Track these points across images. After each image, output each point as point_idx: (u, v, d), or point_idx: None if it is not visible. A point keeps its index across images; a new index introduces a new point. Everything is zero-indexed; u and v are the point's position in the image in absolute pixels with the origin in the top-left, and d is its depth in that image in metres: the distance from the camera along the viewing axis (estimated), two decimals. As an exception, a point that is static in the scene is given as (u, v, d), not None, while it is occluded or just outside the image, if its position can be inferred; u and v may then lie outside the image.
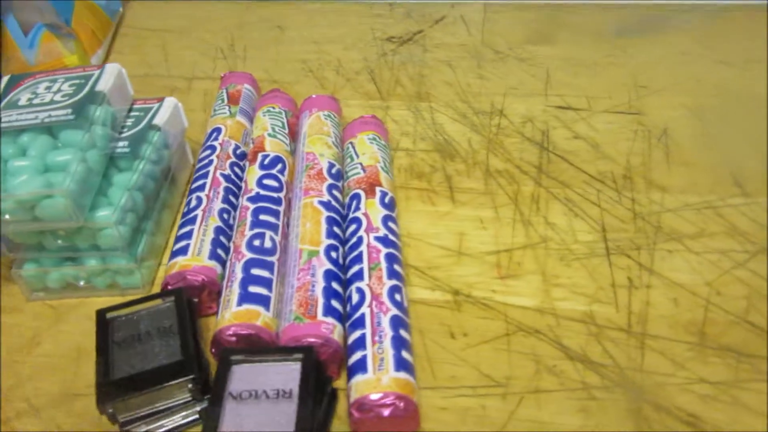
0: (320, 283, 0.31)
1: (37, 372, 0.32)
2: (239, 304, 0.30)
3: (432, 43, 0.55)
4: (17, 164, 0.32)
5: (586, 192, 0.39)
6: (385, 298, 0.30)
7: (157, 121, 0.38)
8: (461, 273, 0.35)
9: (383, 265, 0.31)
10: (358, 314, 0.30)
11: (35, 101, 0.35)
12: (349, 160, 0.39)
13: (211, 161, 0.39)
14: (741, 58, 0.50)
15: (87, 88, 0.36)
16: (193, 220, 0.35)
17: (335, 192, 0.37)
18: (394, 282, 0.31)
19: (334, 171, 0.38)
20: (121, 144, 0.37)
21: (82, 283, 0.35)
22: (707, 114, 0.45)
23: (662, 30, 0.54)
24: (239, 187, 0.38)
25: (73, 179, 0.31)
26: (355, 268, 0.32)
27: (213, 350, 0.30)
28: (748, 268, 0.34)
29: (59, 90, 0.36)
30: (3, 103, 0.35)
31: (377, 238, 0.33)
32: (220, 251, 0.34)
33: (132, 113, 0.39)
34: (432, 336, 0.32)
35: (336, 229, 0.34)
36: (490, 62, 0.52)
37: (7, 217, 0.31)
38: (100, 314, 0.30)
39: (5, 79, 0.38)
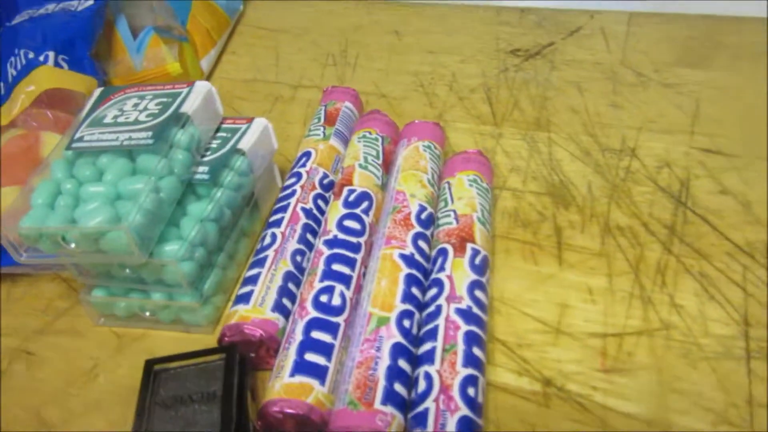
0: (385, 361, 0.27)
1: (88, 410, 0.31)
2: (292, 374, 0.27)
3: (562, 59, 0.49)
4: (91, 190, 0.31)
5: (728, 267, 0.32)
6: (455, 392, 0.25)
7: (242, 144, 0.36)
8: (557, 357, 0.30)
9: (460, 347, 0.27)
10: (421, 408, 0.25)
11: (120, 119, 0.34)
12: (443, 204, 0.35)
13: (293, 192, 0.36)
14: None
15: (172, 109, 0.34)
16: (262, 262, 0.32)
17: (421, 243, 0.32)
18: (470, 371, 0.26)
19: (424, 216, 0.33)
20: (201, 169, 0.34)
21: (147, 314, 0.33)
22: None
23: None
24: (320, 224, 0.35)
25: (139, 212, 0.30)
26: (427, 346, 0.28)
27: (259, 422, 0.27)
28: None
29: (145, 109, 0.34)
30: (89, 120, 0.34)
31: (458, 311, 0.28)
32: (285, 301, 0.31)
33: (219, 133, 0.37)
34: (510, 436, 0.27)
35: (415, 290, 0.30)
36: (629, 87, 0.45)
37: (73, 246, 0.30)
38: (148, 365, 0.28)
39: (98, 92, 0.37)
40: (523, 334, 0.31)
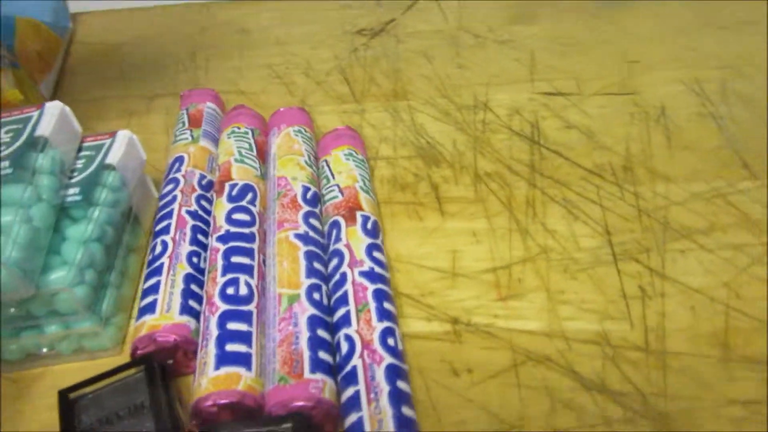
0: (304, 334, 0.28)
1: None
2: (217, 367, 0.27)
3: (405, 32, 0.51)
4: (-46, 231, 0.29)
5: (585, 190, 0.36)
6: (377, 345, 0.27)
7: (110, 159, 0.35)
8: (458, 297, 0.32)
9: (372, 305, 0.28)
10: (349, 367, 0.27)
11: (-29, 155, 0.32)
12: (325, 181, 0.36)
13: (174, 197, 0.35)
14: (735, 20, 0.46)
15: (25, 134, 0.32)
16: (158, 270, 0.32)
17: (313, 221, 0.33)
18: (385, 324, 0.28)
19: (309, 196, 0.35)
20: (72, 191, 0.33)
21: (45, 350, 0.32)
22: (705, 88, 0.42)
23: (648, -4, 0.50)
24: (209, 224, 0.35)
25: (15, 246, 0.28)
26: (341, 311, 0.29)
27: (194, 422, 0.27)
28: (765, 263, 0.31)
29: (-4, 139, 0.33)
30: (-65, 161, 0.32)
31: (362, 273, 0.30)
32: (192, 302, 0.31)
33: (82, 152, 0.36)
34: (433, 375, 0.29)
35: (317, 265, 0.31)
36: (469, 49, 0.49)
37: (-52, 293, 0.28)
38: (63, 396, 0.27)
39: (-62, 130, 0.34)
40: (424, 285, 0.33)
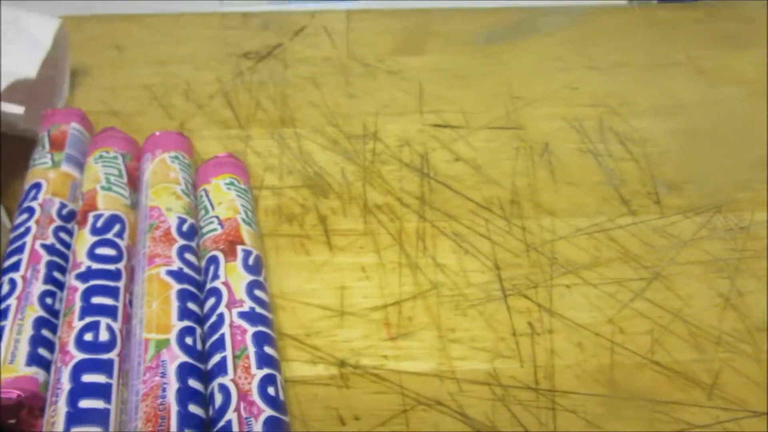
0: (173, 385, 0.25)
1: None
2: (67, 428, 0.23)
3: (293, 57, 0.50)
4: None
5: (474, 223, 0.36)
6: (255, 396, 0.25)
7: (-51, 185, 0.30)
8: (346, 337, 0.30)
9: (251, 350, 0.26)
10: (223, 422, 0.24)
11: None
12: (203, 212, 0.33)
13: (28, 229, 0.31)
14: (610, 62, 0.49)
15: None
16: (4, 314, 0.28)
17: (189, 256, 0.31)
18: (266, 371, 0.26)
19: (185, 228, 0.32)
20: None
21: None
22: (585, 125, 0.43)
23: (532, 35, 0.52)
24: (68, 259, 0.31)
25: None
26: (216, 358, 0.26)
27: (36, 494, 0.23)
28: (645, 297, 0.32)
29: None
30: None
31: (242, 315, 0.27)
32: (42, 351, 0.27)
33: None
34: (318, 425, 0.27)
35: (192, 305, 0.28)
36: (359, 77, 0.48)
37: None
38: None
39: None
40: (309, 324, 0.31)
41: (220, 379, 0.25)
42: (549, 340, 0.30)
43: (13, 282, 0.29)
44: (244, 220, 0.32)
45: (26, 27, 0.33)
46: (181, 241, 0.31)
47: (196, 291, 0.29)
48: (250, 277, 0.29)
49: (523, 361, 0.29)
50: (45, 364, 0.27)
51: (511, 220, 0.36)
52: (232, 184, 0.34)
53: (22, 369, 0.26)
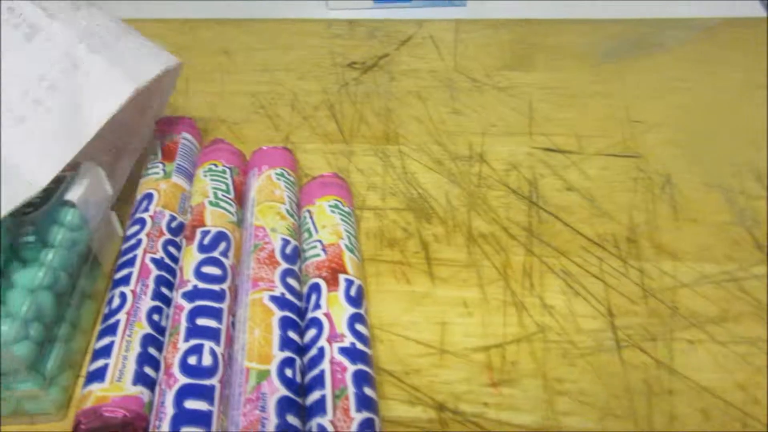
0: (272, 420, 0.24)
1: None
2: (169, 456, 0.23)
3: (399, 69, 0.49)
4: None
5: (585, 262, 0.34)
6: (354, 442, 0.24)
7: (71, 195, 0.31)
8: (446, 378, 0.29)
9: (351, 390, 0.25)
10: (320, 466, 0.23)
11: None
12: (307, 235, 0.33)
13: (139, 242, 0.32)
14: (742, 82, 0.45)
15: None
16: (113, 328, 0.28)
17: (291, 280, 0.30)
18: (364, 415, 0.25)
19: (289, 251, 0.31)
20: (23, 230, 0.30)
21: (-22, 412, 0.28)
22: (711, 156, 0.40)
23: (655, 51, 0.48)
24: (175, 274, 0.32)
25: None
26: (315, 395, 0.26)
27: None
28: (783, 361, 0.29)
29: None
30: None
31: (342, 350, 0.27)
32: (148, 370, 0.28)
33: (39, 186, 0.32)
34: (414, 472, 0.26)
35: (292, 334, 0.28)
36: (465, 92, 0.46)
37: None
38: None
39: None
40: (408, 360, 0.30)
41: (319, 419, 0.25)
42: (668, 403, 0.28)
43: (123, 296, 0.30)
44: (347, 247, 0.31)
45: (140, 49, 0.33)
46: (284, 265, 0.31)
47: (296, 318, 0.29)
48: (351, 310, 0.29)
49: (638, 423, 0.27)
50: (150, 383, 0.27)
51: (627, 261, 0.33)
52: (336, 206, 0.34)
53: (129, 388, 0.26)
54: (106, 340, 0.28)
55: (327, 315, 0.28)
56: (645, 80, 0.46)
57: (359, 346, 0.27)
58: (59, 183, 0.32)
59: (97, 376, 0.27)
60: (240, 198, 0.35)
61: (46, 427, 0.28)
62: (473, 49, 0.50)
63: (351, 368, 0.26)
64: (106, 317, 0.29)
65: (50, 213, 0.31)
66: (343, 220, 0.33)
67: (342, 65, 0.49)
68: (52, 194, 0.32)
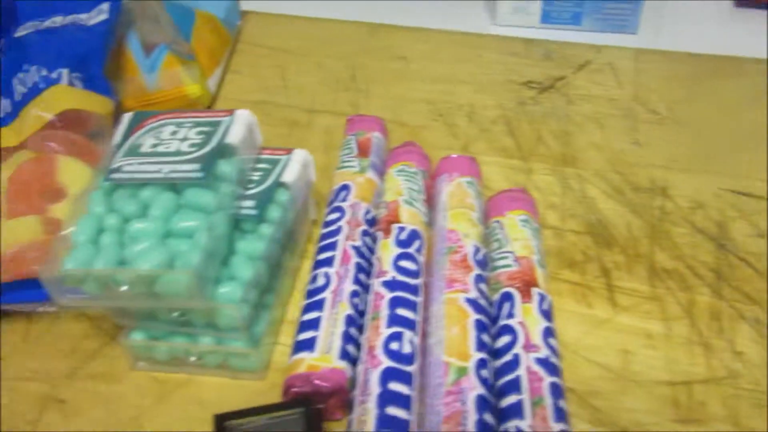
0: (472, 415, 0.26)
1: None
2: (377, 430, 0.25)
3: (576, 93, 0.49)
4: (139, 227, 0.29)
5: (778, 313, 0.33)
6: (553, 451, 0.25)
7: (286, 177, 0.34)
8: (629, 406, 0.29)
9: (548, 401, 0.26)
10: (521, 468, 0.24)
11: (160, 149, 0.32)
12: (497, 245, 0.34)
13: (339, 228, 0.34)
14: None
15: (216, 139, 0.32)
16: (319, 305, 0.31)
17: (482, 286, 0.31)
18: (561, 426, 0.26)
19: (479, 257, 0.33)
20: (246, 204, 0.32)
21: (193, 358, 0.31)
22: None
23: None
24: (369, 261, 0.34)
25: (200, 254, 0.27)
26: (511, 398, 0.27)
27: None
28: None
29: (186, 138, 0.32)
30: (125, 149, 0.32)
31: (539, 361, 0.28)
32: (350, 347, 0.30)
33: (258, 164, 0.35)
34: (597, 491, 0.26)
35: (485, 337, 0.29)
36: (646, 124, 0.46)
37: (124, 288, 0.28)
38: (219, 422, 0.26)
39: (128, 116, 0.35)
40: (591, 382, 0.30)
41: (516, 422, 0.26)
42: None
43: (327, 276, 0.32)
44: (538, 262, 0.32)
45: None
46: (477, 270, 0.32)
47: (488, 323, 0.30)
48: (545, 323, 0.29)
49: (836, 487, 0.26)
50: (351, 361, 0.29)
51: (824, 319, 0.32)
52: (527, 222, 0.34)
53: (335, 361, 0.29)
54: (312, 315, 0.30)
55: (522, 324, 0.29)
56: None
57: (552, 359, 0.28)
58: (275, 165, 0.35)
59: (306, 345, 0.29)
60: (428, 201, 0.37)
61: (246, 384, 0.31)
62: (653, 81, 0.49)
63: (547, 379, 0.27)
64: (311, 293, 0.32)
65: (268, 191, 0.33)
66: (533, 236, 0.34)
67: (518, 83, 0.50)
68: (269, 174, 0.34)
